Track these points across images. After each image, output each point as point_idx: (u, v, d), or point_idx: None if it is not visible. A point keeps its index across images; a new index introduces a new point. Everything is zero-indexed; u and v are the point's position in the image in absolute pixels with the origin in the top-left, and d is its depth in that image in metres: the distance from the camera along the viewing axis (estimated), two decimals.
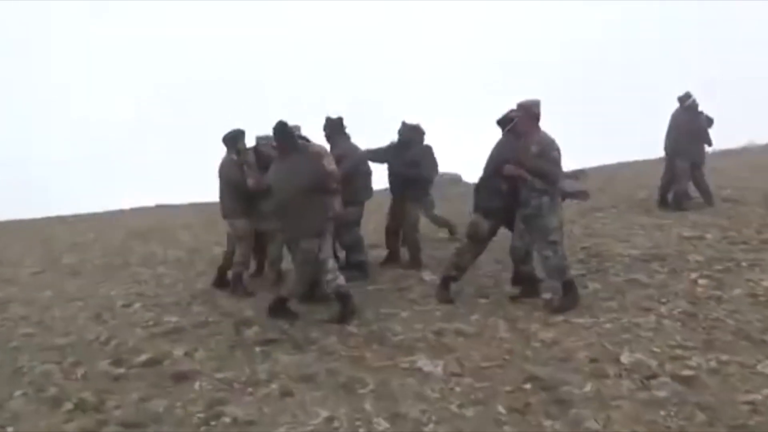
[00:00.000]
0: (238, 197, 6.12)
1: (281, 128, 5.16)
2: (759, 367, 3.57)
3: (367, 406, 3.50)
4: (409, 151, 6.52)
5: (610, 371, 3.69)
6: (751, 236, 6.66)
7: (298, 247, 5.12)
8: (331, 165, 5.17)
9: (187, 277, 7.07)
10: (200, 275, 7.15)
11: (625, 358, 3.85)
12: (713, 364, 3.67)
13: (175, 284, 6.79)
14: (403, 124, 6.67)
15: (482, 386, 3.65)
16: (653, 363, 3.73)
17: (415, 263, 6.56)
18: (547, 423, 3.16)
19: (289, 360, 4.29)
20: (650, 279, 5.43)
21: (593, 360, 3.87)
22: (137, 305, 5.95)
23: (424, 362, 4.06)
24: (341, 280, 5.12)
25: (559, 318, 4.64)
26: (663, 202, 8.89)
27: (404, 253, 6.79)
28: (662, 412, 3.15)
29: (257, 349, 4.54)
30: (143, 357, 4.44)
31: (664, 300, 4.86)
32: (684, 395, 3.30)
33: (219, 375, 4.10)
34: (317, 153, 5.22)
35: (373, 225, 7.99)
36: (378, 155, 6.65)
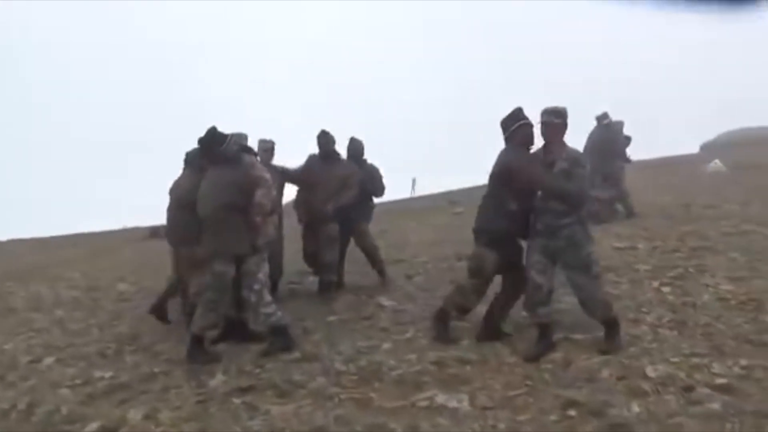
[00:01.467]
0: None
1: (207, 135, 4.62)
2: None
3: None
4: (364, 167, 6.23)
5: (646, 387, 3.50)
6: (678, 245, 7.03)
7: (211, 269, 4.48)
8: (260, 183, 4.58)
9: (100, 321, 5.99)
10: (115, 317, 6.10)
11: (650, 371, 3.70)
12: (737, 370, 3.63)
13: (88, 330, 5.72)
14: (353, 140, 6.35)
15: (525, 418, 3.29)
16: (681, 374, 3.61)
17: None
18: None
19: (282, 411, 3.62)
20: (617, 290, 5.45)
21: (621, 378, 3.67)
22: (49, 360, 4.87)
23: (443, 398, 3.61)
24: (279, 315, 4.60)
25: (559, 335, 4.43)
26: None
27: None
28: (728, 425, 3.00)
29: (235, 401, 3.80)
30: (92, 427, 3.52)
31: (645, 310, 4.86)
32: (736, 405, 3.19)
33: None
34: (248, 165, 4.66)
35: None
36: None
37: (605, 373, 3.76)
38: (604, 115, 8.81)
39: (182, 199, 4.98)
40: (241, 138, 5.09)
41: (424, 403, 3.57)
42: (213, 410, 3.69)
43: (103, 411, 3.76)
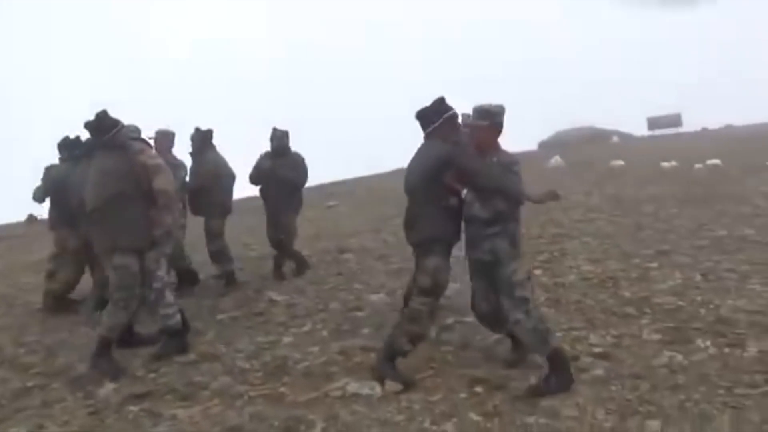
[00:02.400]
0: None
1: (95, 119, 4.26)
2: (645, 336, 4.12)
3: None
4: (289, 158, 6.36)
5: (539, 360, 3.83)
6: (540, 232, 7.75)
7: (111, 264, 4.15)
8: (155, 170, 4.29)
9: None
10: None
11: None
12: (610, 339, 4.11)
13: None
14: (275, 130, 6.34)
15: (437, 398, 3.44)
16: (565, 346, 3.99)
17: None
18: (530, 420, 3.13)
19: (189, 414, 3.44)
20: None
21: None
22: None
23: (355, 386, 3.65)
24: (177, 318, 4.39)
25: (451, 319, 4.68)
26: None
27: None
28: (612, 387, 3.40)
29: (133, 408, 3.53)
30: None
31: None
32: (614, 369, 3.62)
33: None
34: (137, 152, 4.34)
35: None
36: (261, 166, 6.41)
37: (500, 350, 4.06)
38: (466, 116, 9.37)
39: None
40: (136, 131, 4.78)
41: (337, 393, 3.60)
42: (109, 421, 3.41)
43: None
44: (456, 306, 4.85)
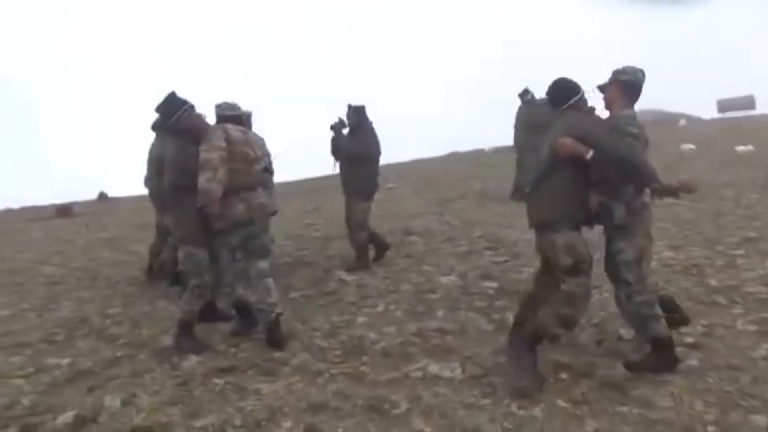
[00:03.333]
0: None
1: (161, 102, 4.04)
2: (739, 326, 3.92)
3: (428, 430, 2.98)
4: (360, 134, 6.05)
5: (625, 348, 3.71)
6: None
7: (182, 250, 4.16)
8: (201, 165, 3.80)
9: (34, 305, 5.50)
10: (50, 301, 5.63)
11: (625, 334, 3.91)
12: (700, 329, 3.90)
13: (22, 315, 5.24)
14: (349, 106, 6.07)
15: (518, 384, 3.36)
16: None
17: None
18: (623, 409, 3.03)
19: (273, 389, 3.48)
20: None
21: (599, 341, 3.88)
22: None
23: (436, 367, 3.62)
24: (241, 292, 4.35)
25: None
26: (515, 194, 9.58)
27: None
28: (708, 379, 3.25)
29: (218, 381, 3.61)
30: (67, 416, 3.21)
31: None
32: (709, 360, 3.46)
33: (198, 423, 3.14)
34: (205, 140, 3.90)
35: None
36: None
37: (584, 337, 3.94)
38: (525, 91, 9.10)
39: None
40: (229, 108, 4.78)
41: (417, 374, 3.58)
42: (197, 392, 3.49)
43: (73, 399, 3.44)
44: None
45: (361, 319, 4.58)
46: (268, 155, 4.55)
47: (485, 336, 4.11)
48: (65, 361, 4.06)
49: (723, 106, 34.38)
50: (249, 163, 4.03)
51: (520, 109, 9.41)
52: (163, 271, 5.76)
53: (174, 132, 4.07)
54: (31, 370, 3.95)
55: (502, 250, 6.39)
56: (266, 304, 4.05)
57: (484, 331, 4.21)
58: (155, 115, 5.23)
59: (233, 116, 4.52)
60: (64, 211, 12.84)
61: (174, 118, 3.97)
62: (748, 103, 33.30)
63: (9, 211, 15.88)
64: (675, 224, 6.83)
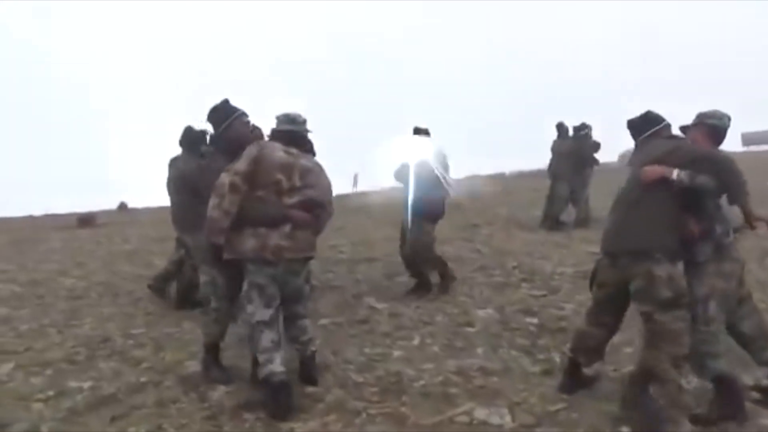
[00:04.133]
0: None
1: (219, 106, 3.71)
2: None
3: None
4: None
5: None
6: None
7: (201, 271, 4.02)
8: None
9: (55, 321, 5.33)
10: (72, 317, 5.46)
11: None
12: None
13: (43, 331, 5.05)
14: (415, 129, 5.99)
15: None
16: None
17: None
18: None
19: (309, 430, 3.25)
20: None
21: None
22: (7, 367, 4.21)
23: (483, 413, 3.36)
24: None
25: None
26: (545, 221, 9.36)
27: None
28: None
29: (248, 417, 3.37)
30: None
31: None
32: None
33: None
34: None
35: None
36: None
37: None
38: (583, 125, 8.98)
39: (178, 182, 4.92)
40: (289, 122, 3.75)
41: (464, 419, 3.32)
42: (227, 429, 3.27)
43: (95, 429, 3.24)
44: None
45: (396, 353, 4.33)
46: (320, 188, 3.54)
47: (531, 378, 3.84)
48: (87, 384, 3.86)
49: (747, 139, 33.87)
50: (281, 193, 3.41)
51: (567, 140, 9.23)
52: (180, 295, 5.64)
53: (220, 144, 3.68)
54: (52, 393, 3.75)
55: (539, 282, 6.13)
56: (300, 342, 3.72)
57: (529, 372, 3.94)
58: (180, 128, 5.25)
59: (289, 132, 3.61)
60: (86, 220, 12.79)
61: (224, 126, 3.60)
62: None
63: (31, 218, 15.90)
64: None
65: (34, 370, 4.14)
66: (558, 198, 8.95)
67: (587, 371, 3.64)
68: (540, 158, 13.67)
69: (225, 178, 3.33)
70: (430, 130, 6.01)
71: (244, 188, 3.32)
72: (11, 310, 5.72)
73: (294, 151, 3.51)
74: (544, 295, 5.67)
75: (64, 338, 4.82)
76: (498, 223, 10.22)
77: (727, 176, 3.08)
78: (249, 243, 3.36)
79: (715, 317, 3.19)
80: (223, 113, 3.57)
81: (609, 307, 3.38)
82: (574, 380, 3.58)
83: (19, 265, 7.97)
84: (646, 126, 3.39)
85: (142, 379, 3.93)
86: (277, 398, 3.37)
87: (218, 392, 3.70)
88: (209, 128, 3.90)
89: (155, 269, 7.28)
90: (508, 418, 3.30)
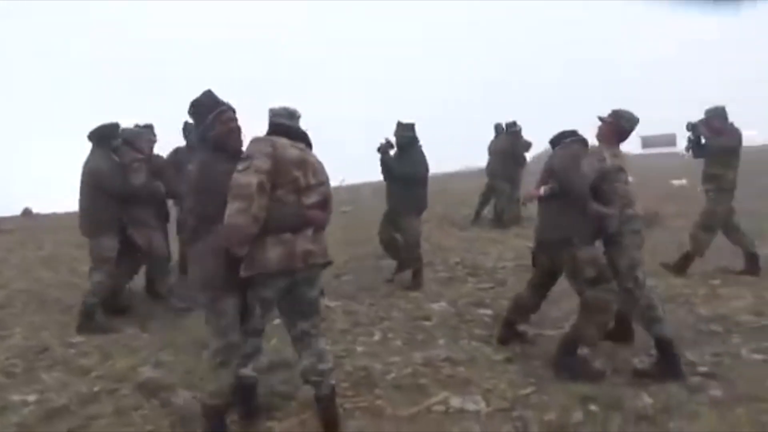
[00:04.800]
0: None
1: (202, 100, 3.13)
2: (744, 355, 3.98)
3: None
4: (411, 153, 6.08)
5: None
6: None
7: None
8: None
9: None
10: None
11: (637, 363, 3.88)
12: (709, 357, 3.95)
13: None
14: (399, 123, 6.07)
15: (553, 417, 3.22)
16: None
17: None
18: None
19: (286, 428, 3.18)
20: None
21: (615, 371, 3.81)
22: None
23: (458, 400, 3.42)
24: None
25: (533, 331, 4.49)
26: (477, 219, 9.63)
27: None
28: (739, 411, 3.23)
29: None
30: None
31: None
32: (728, 391, 3.46)
33: None
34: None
35: None
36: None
37: (598, 366, 3.87)
38: (513, 123, 9.29)
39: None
40: (281, 115, 3.30)
41: (440, 408, 3.36)
42: None
43: None
44: (534, 319, 4.64)
45: (360, 348, 4.31)
46: (328, 185, 3.17)
47: (496, 366, 3.95)
48: (32, 397, 3.57)
49: (646, 142, 36.52)
50: (299, 192, 2.96)
51: (501, 138, 9.47)
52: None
53: (204, 142, 3.09)
54: None
55: (484, 276, 6.31)
56: (317, 372, 3.01)
57: (493, 360, 4.05)
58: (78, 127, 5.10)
59: (291, 127, 3.16)
60: None
61: (208, 121, 3.02)
62: (670, 140, 35.48)
63: None
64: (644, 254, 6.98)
65: None
66: (499, 194, 9.24)
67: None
68: (474, 158, 14.12)
69: (249, 177, 2.79)
70: (415, 125, 6.14)
71: (268, 189, 2.85)
72: None
73: (301, 146, 3.07)
74: (492, 288, 5.84)
75: None
76: (433, 220, 10.38)
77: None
78: (274, 252, 2.83)
79: (643, 282, 3.93)
80: (208, 107, 3.07)
81: (543, 282, 4.22)
82: (510, 333, 4.36)
83: None
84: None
85: (95, 389, 3.68)
86: (249, 399, 3.27)
87: (181, 397, 3.53)
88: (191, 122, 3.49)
89: (82, 276, 6.83)
90: (482, 404, 3.38)
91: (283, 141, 3.00)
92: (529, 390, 3.56)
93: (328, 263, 3.13)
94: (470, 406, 3.36)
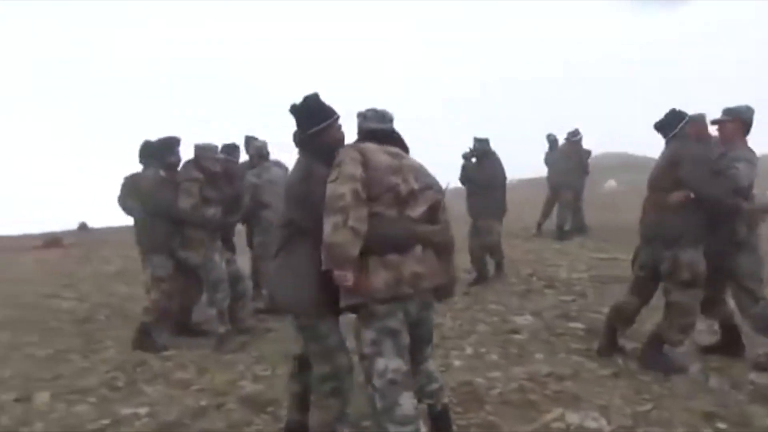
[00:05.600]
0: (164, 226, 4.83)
1: (300, 105, 2.82)
2: None
3: None
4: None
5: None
6: None
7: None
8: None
9: (72, 346, 4.95)
10: (90, 341, 5.09)
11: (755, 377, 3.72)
12: None
13: (65, 357, 4.71)
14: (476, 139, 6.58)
15: None
16: None
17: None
18: None
19: None
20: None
21: (734, 386, 3.65)
22: (43, 396, 3.86)
23: (574, 417, 3.31)
24: None
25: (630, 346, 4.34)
26: (539, 230, 9.48)
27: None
28: None
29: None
30: None
31: None
32: None
33: None
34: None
35: None
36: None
37: (714, 382, 3.71)
38: (576, 131, 9.13)
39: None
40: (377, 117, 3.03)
41: (559, 425, 3.25)
42: None
43: None
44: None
45: (457, 363, 4.23)
46: (438, 189, 2.81)
47: (605, 381, 3.82)
48: (142, 410, 3.58)
49: None
50: (401, 203, 2.61)
51: (564, 147, 9.30)
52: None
53: (307, 147, 2.81)
54: (106, 422, 3.46)
55: (562, 288, 6.18)
56: (428, 394, 2.82)
57: (600, 375, 3.92)
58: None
59: (379, 130, 2.88)
60: (52, 241, 12.06)
61: (321, 128, 2.75)
62: None
63: None
64: None
65: (73, 399, 3.81)
66: (563, 205, 9.10)
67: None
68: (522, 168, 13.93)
69: (340, 188, 2.47)
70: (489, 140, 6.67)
71: (365, 198, 2.51)
72: (16, 335, 5.28)
73: (393, 149, 2.73)
74: (574, 300, 5.70)
75: (93, 363, 4.48)
76: None
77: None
78: (380, 277, 2.50)
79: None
80: (322, 112, 2.79)
81: (645, 285, 4.08)
82: (612, 344, 4.27)
83: (0, 287, 7.40)
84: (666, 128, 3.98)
85: (201, 403, 3.68)
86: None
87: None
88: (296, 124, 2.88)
89: None
90: (603, 422, 3.26)
91: (371, 146, 2.69)
92: (648, 407, 3.42)
93: (449, 293, 2.92)
94: (591, 424, 3.24)
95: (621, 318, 4.22)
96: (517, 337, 4.74)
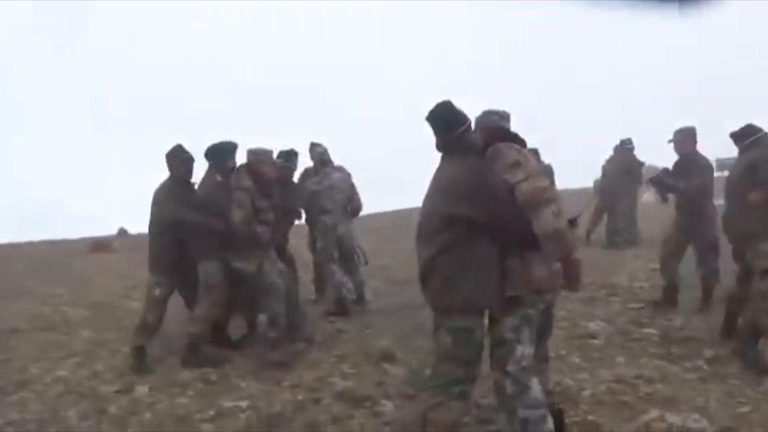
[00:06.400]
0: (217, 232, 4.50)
1: (438, 108, 2.88)
2: None
3: None
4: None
5: None
6: None
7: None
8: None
9: (153, 341, 5.07)
10: (163, 337, 5.22)
11: None
12: None
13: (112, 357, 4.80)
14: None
15: None
16: None
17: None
18: None
19: None
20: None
21: None
22: (142, 389, 4.03)
23: (675, 418, 3.34)
24: None
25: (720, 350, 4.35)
26: (588, 239, 9.47)
27: None
28: None
29: None
30: None
31: None
32: None
33: None
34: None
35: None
36: None
37: None
38: (629, 139, 9.14)
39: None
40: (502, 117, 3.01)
41: (660, 425, 3.28)
42: None
43: None
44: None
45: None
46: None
47: (694, 384, 3.84)
48: (243, 403, 3.70)
49: (721, 165, 35.20)
50: None
51: (618, 155, 9.30)
52: None
53: (454, 149, 2.81)
54: (212, 413, 3.58)
55: (627, 296, 6.18)
56: (547, 393, 2.84)
57: (687, 379, 3.94)
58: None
59: (516, 134, 2.87)
60: (101, 245, 12.37)
61: (463, 128, 2.80)
62: None
63: (31, 243, 15.28)
64: None
65: (173, 392, 3.95)
66: (617, 214, 9.09)
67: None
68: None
69: (540, 181, 2.54)
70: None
71: None
72: (96, 333, 5.46)
73: (525, 151, 2.75)
74: (642, 308, 5.70)
75: (179, 359, 4.61)
76: None
77: None
78: (539, 270, 2.63)
79: None
80: (460, 115, 2.84)
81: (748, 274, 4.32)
82: (734, 326, 4.59)
83: (68, 289, 7.63)
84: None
85: (299, 397, 3.78)
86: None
87: (388, 406, 3.60)
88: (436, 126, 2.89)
89: None
90: (705, 423, 3.28)
91: (514, 145, 2.71)
92: (746, 409, 3.44)
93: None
94: (693, 425, 3.27)
95: (736, 302, 4.55)
96: (594, 341, 4.77)
